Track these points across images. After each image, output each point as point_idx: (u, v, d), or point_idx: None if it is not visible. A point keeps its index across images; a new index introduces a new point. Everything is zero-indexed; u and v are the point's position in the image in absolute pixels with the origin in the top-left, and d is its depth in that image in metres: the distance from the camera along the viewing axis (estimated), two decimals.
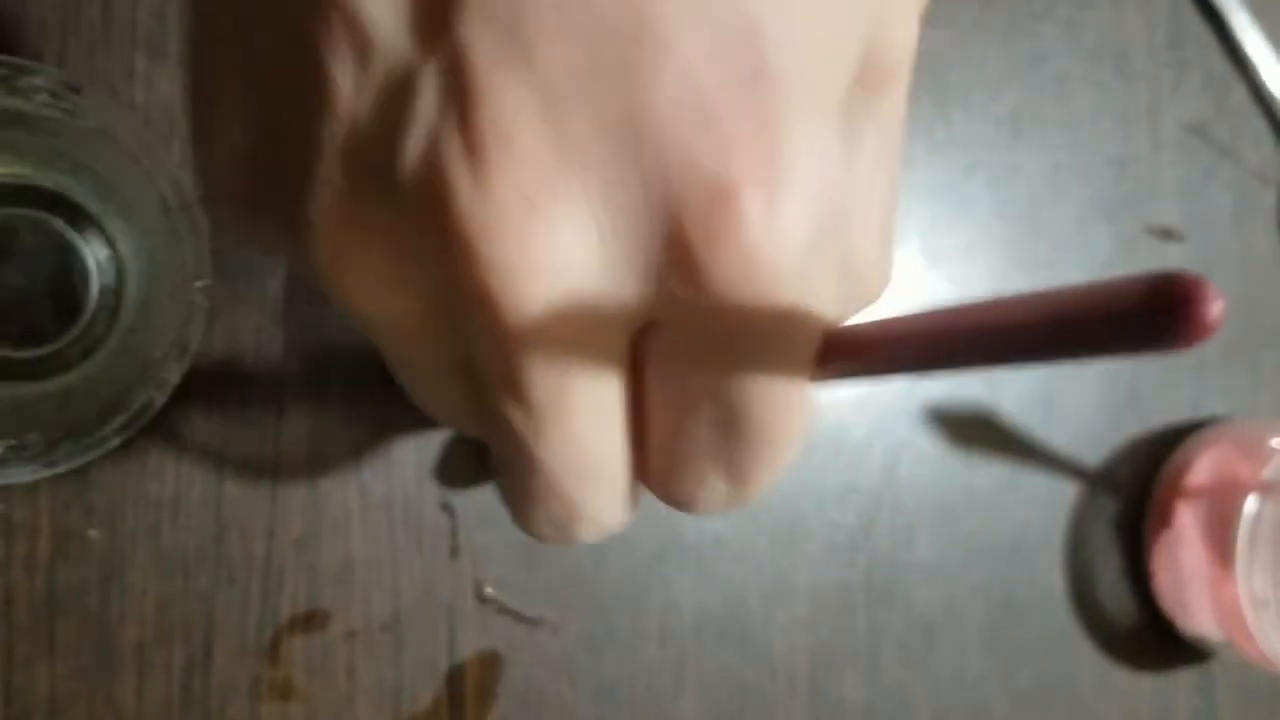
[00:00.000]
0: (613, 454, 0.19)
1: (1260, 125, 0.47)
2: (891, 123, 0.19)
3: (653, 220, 0.16)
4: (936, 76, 0.44)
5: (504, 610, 0.40)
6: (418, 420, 0.39)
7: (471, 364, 0.18)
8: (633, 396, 0.19)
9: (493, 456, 0.20)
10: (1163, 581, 0.44)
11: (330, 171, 0.16)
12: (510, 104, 0.15)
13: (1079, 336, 0.13)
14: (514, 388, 0.17)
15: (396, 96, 0.16)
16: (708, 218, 0.16)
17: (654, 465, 0.20)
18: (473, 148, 0.15)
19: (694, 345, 0.17)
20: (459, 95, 0.15)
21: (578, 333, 0.17)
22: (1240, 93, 0.46)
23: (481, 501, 0.40)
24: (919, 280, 0.44)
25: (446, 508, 0.39)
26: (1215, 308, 0.12)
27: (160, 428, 0.37)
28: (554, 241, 0.16)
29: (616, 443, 0.19)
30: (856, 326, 0.18)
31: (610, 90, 0.15)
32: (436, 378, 0.19)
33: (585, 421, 0.18)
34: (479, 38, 0.15)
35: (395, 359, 0.19)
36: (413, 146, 0.16)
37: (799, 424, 0.19)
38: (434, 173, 0.16)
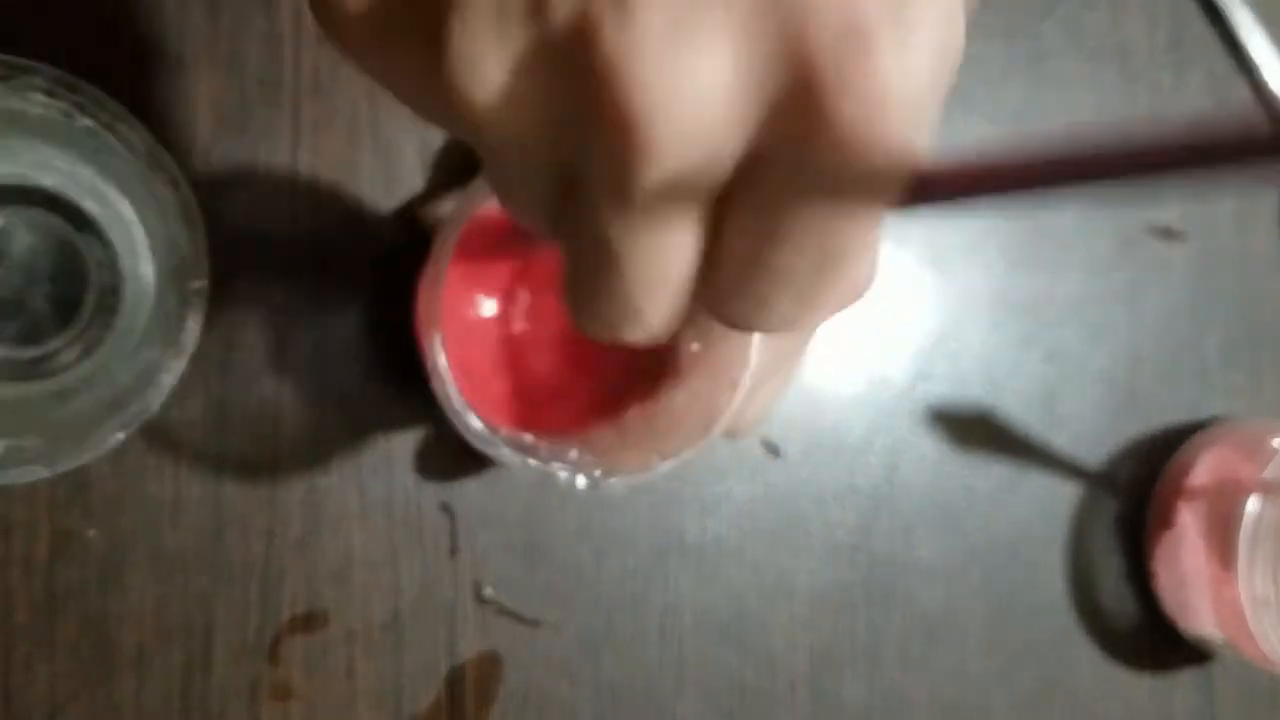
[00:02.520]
0: (686, 264, 0.20)
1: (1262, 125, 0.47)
2: None
3: (787, 56, 0.17)
4: None
5: (504, 610, 0.40)
6: (417, 420, 0.39)
7: (573, 168, 0.19)
8: (715, 222, 0.20)
9: (560, 254, 0.21)
10: (1163, 582, 0.44)
11: (483, 3, 0.17)
12: None
13: (1182, 161, 0.14)
14: (622, 198, 0.18)
15: None
16: (840, 57, 0.17)
17: (720, 283, 0.20)
18: None
19: (793, 181, 0.18)
20: None
21: (698, 160, 0.18)
22: (1241, 92, 0.46)
23: (481, 502, 0.40)
24: (920, 279, 0.44)
25: (446, 508, 0.39)
26: None
27: (159, 428, 0.37)
28: (693, 65, 0.17)
29: (691, 254, 0.20)
30: (948, 163, 0.19)
31: None
32: (532, 177, 0.20)
33: (674, 239, 0.19)
34: None
35: (495, 158, 0.20)
36: None
37: (874, 252, 0.20)
38: (583, 10, 0.17)
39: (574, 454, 0.33)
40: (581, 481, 0.31)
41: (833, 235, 0.19)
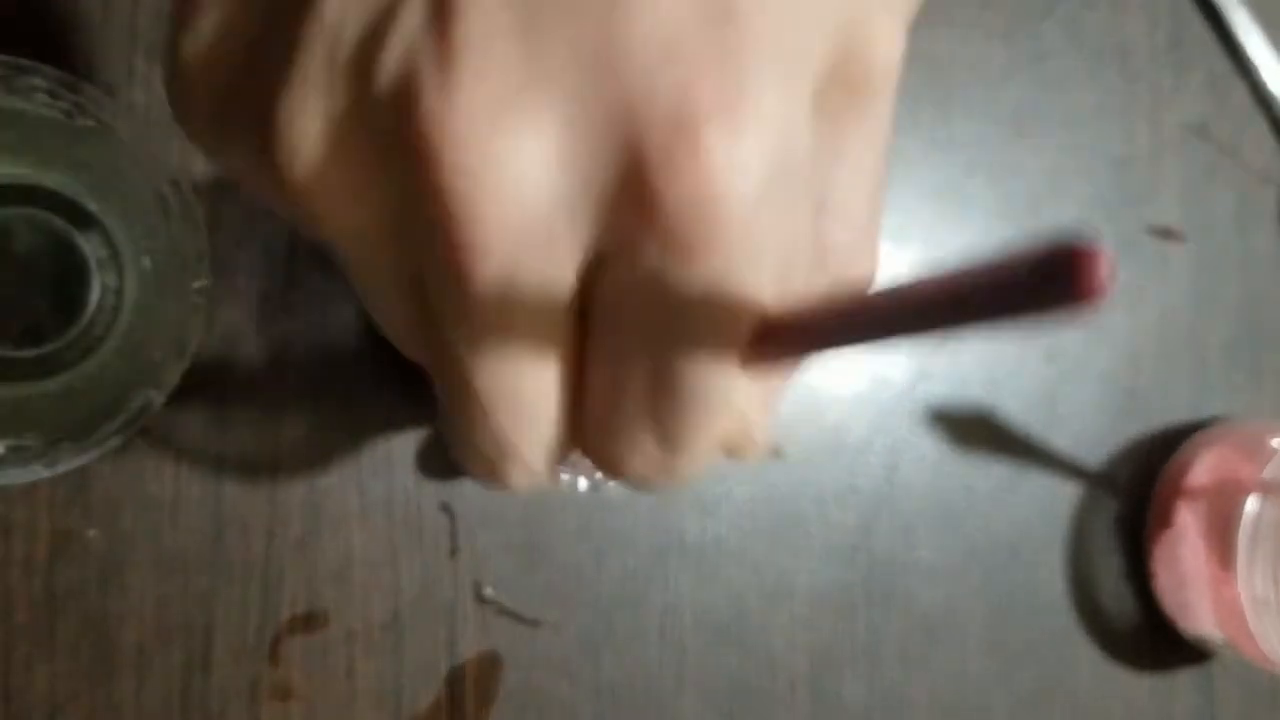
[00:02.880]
0: (548, 394, 0.19)
1: (1261, 125, 0.47)
2: (875, 137, 0.20)
3: (614, 148, 0.16)
4: (937, 76, 0.44)
5: (504, 610, 0.40)
6: (417, 420, 0.39)
7: (422, 276, 0.18)
8: (574, 351, 0.19)
9: (436, 388, 0.21)
10: (1163, 582, 0.44)
11: (310, 70, 0.17)
12: (488, 21, 0.16)
13: (988, 306, 0.14)
14: (460, 303, 0.17)
15: (383, 6, 0.16)
16: (667, 144, 0.16)
17: (589, 422, 0.20)
18: (446, 56, 0.16)
19: (637, 294, 0.18)
20: (441, 9, 0.16)
21: (529, 256, 0.17)
22: (1241, 93, 0.46)
23: (481, 502, 0.40)
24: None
25: (446, 508, 0.39)
26: (1104, 271, 0.12)
27: (160, 428, 0.37)
28: (515, 155, 0.16)
29: (553, 384, 0.19)
30: (786, 311, 0.18)
31: (586, 18, 0.16)
32: (391, 291, 0.19)
33: (525, 351, 0.18)
34: None
35: (354, 269, 0.19)
36: (391, 54, 0.16)
37: (731, 396, 0.19)
38: (407, 78, 0.16)
39: (575, 456, 0.33)
40: (583, 484, 0.31)
41: (684, 366, 0.18)
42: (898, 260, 0.43)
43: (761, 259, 0.18)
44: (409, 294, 0.19)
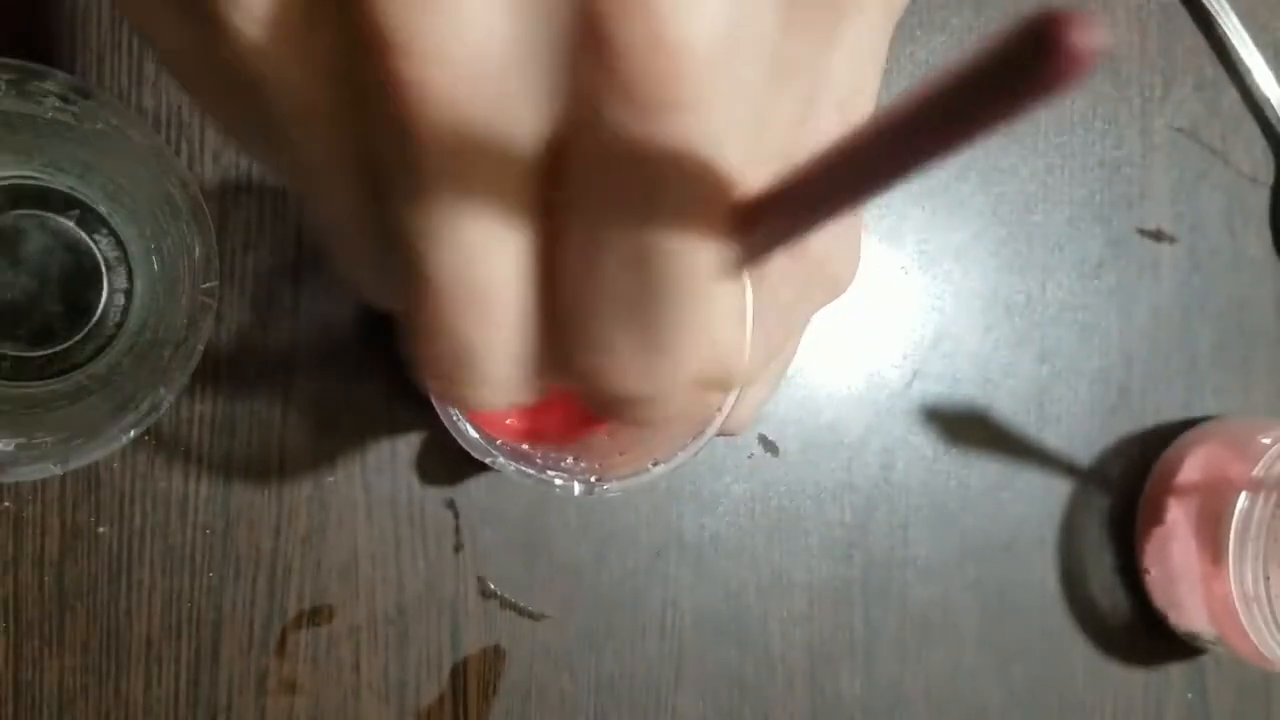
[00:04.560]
0: (508, 282, 0.18)
1: (1251, 128, 0.47)
2: (867, 47, 0.20)
3: (567, 7, 0.15)
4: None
5: (506, 605, 0.40)
6: (423, 418, 0.40)
7: (373, 162, 0.17)
8: (543, 250, 0.18)
9: (394, 303, 0.19)
10: (1155, 578, 0.45)
11: None
12: None
13: (976, 101, 0.13)
14: (411, 181, 0.16)
15: None
16: None
17: (563, 334, 0.18)
18: None
19: (606, 165, 0.17)
20: None
21: (483, 132, 0.16)
22: (1231, 96, 0.47)
23: (484, 500, 0.40)
24: (915, 280, 0.44)
25: (450, 505, 0.40)
26: (1085, 34, 0.12)
27: (169, 426, 0.38)
28: (464, 16, 0.15)
29: (513, 270, 0.17)
30: (767, 188, 0.17)
31: None
32: (338, 176, 0.18)
33: (482, 237, 0.17)
34: None
35: (300, 156, 0.18)
36: None
37: (713, 282, 0.18)
38: None
39: (570, 461, 0.33)
40: (578, 489, 0.32)
41: (661, 245, 0.17)
42: (890, 262, 0.44)
43: (732, 123, 0.16)
44: (356, 180, 0.18)
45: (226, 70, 0.17)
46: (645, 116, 0.16)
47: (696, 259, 0.17)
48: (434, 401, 0.32)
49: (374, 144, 0.17)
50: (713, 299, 0.18)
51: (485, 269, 0.17)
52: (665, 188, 0.17)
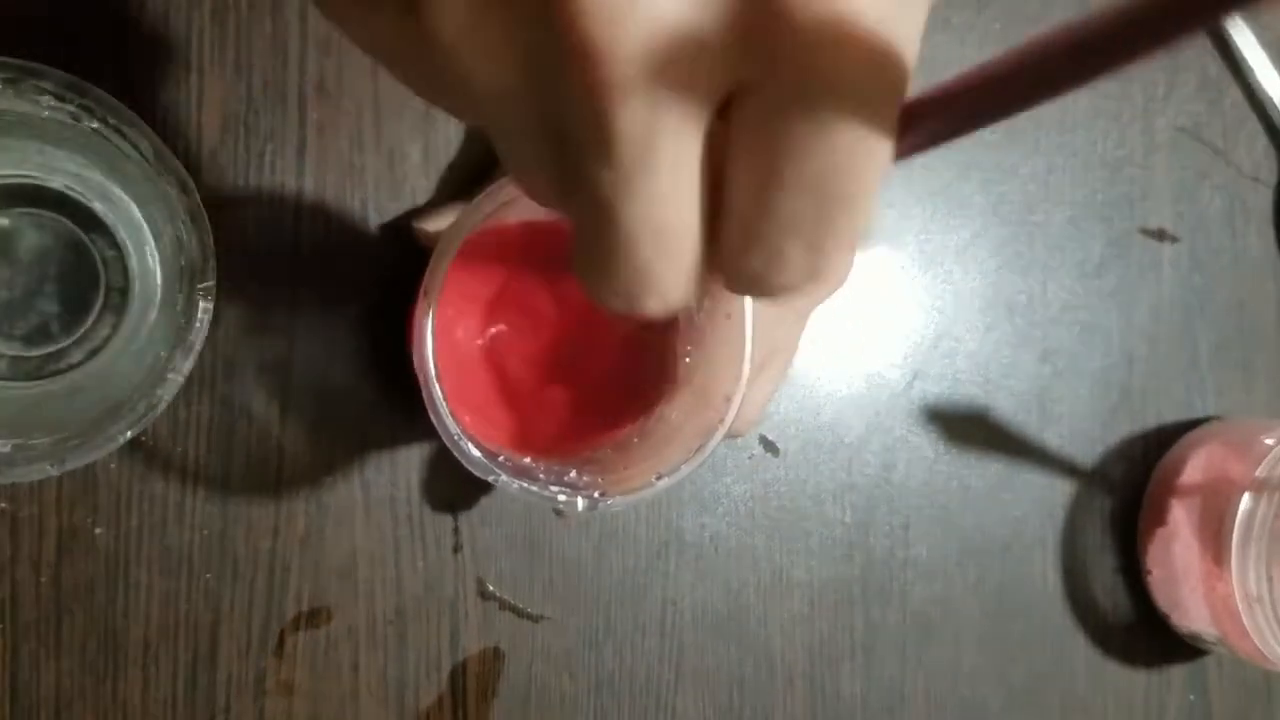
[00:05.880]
0: (690, 221, 0.19)
1: (1254, 127, 0.47)
2: None
3: None
4: (933, 79, 0.45)
5: (505, 606, 0.40)
6: (421, 419, 0.40)
7: (562, 126, 0.18)
8: (714, 171, 0.19)
9: (572, 233, 0.21)
10: (1157, 578, 0.45)
11: None
12: None
13: (1149, 19, 0.13)
14: (602, 141, 0.18)
15: None
16: None
17: (730, 240, 0.20)
18: None
19: (779, 101, 0.18)
20: None
21: (667, 85, 0.17)
22: (1234, 95, 0.47)
23: (483, 500, 0.40)
24: (916, 280, 0.44)
25: (449, 506, 0.40)
26: None
27: (166, 427, 0.38)
28: None
29: (694, 210, 0.19)
30: (935, 87, 0.18)
31: None
32: (533, 147, 0.19)
33: (669, 182, 0.18)
34: None
35: (492, 126, 0.20)
36: None
37: (876, 187, 0.19)
38: None
39: (573, 475, 0.33)
40: (581, 504, 0.32)
41: (833, 159, 0.18)
42: (892, 262, 0.44)
43: (903, 59, 0.17)
44: (550, 148, 0.19)
45: (426, 63, 0.18)
46: (822, 84, 0.17)
47: (872, 159, 0.18)
48: (435, 422, 0.31)
49: (566, 126, 0.18)
50: (874, 195, 0.19)
51: (669, 211, 0.19)
52: (838, 107, 0.17)
